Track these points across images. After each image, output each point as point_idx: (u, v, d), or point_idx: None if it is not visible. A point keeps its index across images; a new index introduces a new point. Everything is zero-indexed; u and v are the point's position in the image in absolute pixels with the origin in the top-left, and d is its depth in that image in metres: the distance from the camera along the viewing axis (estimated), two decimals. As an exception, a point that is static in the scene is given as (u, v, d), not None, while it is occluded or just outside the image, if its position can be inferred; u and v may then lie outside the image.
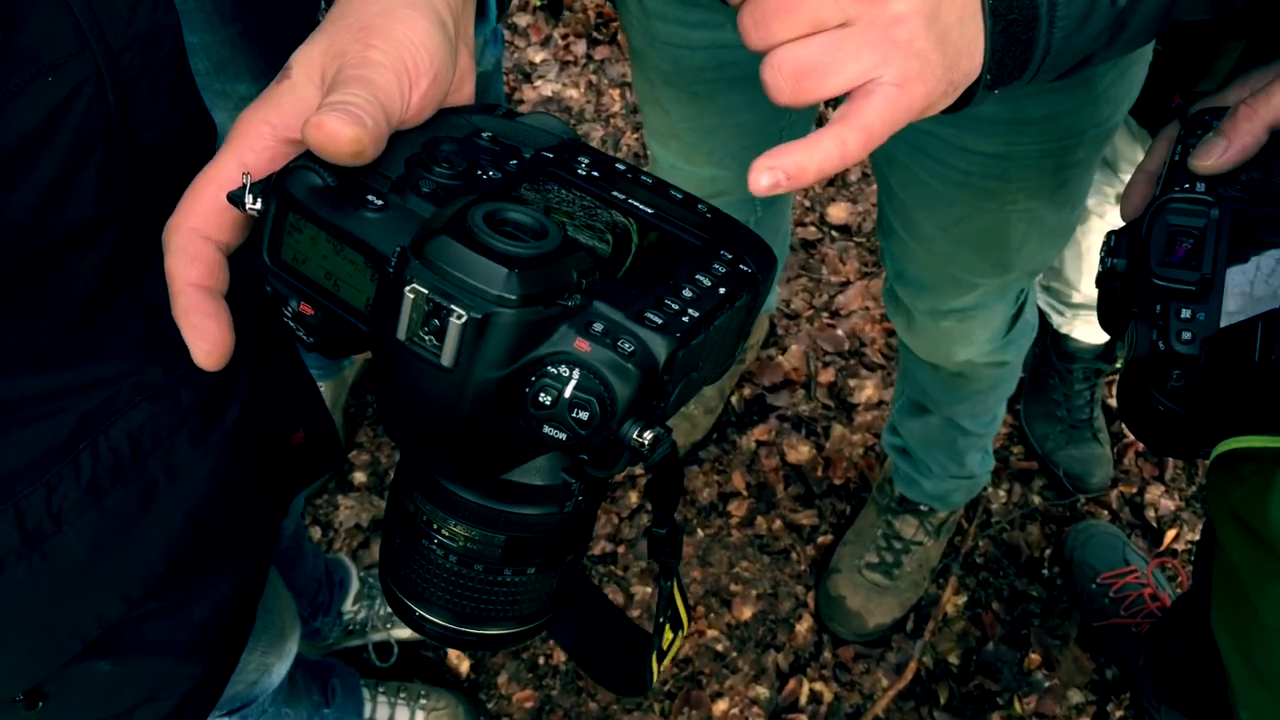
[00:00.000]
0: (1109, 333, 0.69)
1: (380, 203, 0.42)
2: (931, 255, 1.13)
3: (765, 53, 0.48)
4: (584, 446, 0.41)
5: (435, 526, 0.46)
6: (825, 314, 2.03)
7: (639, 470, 1.68)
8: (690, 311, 0.42)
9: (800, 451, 1.88)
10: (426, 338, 0.39)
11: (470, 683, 1.70)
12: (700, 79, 1.08)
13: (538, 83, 2.37)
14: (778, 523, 1.82)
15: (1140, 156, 1.45)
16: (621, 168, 0.50)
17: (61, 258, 0.50)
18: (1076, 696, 1.65)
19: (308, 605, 1.50)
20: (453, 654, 1.71)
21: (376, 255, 0.42)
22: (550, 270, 0.39)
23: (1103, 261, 0.65)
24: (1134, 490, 1.83)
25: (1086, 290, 1.68)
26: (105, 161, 0.49)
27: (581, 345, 0.40)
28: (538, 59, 2.42)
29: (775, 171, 0.46)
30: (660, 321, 0.41)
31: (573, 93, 2.35)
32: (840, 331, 2.01)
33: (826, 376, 1.96)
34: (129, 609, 0.61)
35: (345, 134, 0.41)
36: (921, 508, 1.69)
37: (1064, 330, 1.76)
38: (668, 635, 0.54)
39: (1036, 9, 0.51)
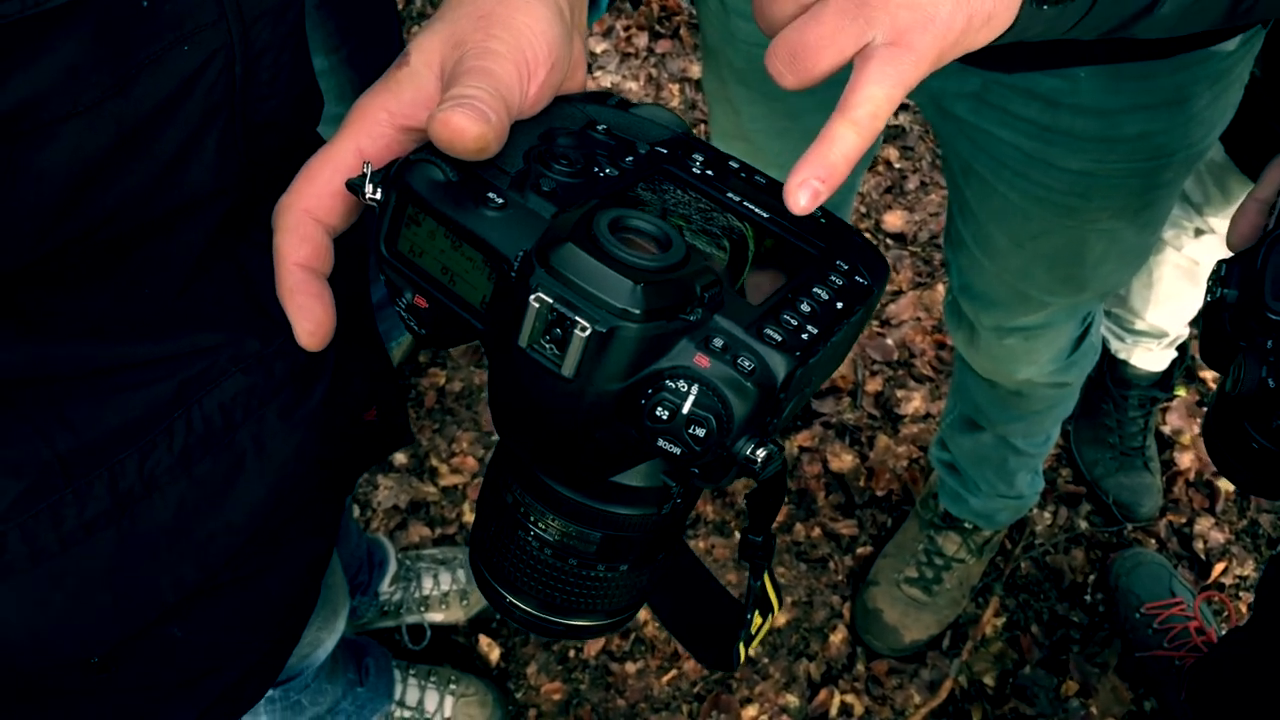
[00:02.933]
0: (1210, 364, 0.67)
1: (501, 201, 0.42)
2: (1003, 271, 1.11)
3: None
4: (697, 461, 0.40)
5: (533, 519, 0.46)
6: (875, 322, 2.02)
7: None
8: (809, 328, 0.41)
9: (843, 460, 1.87)
10: (548, 346, 0.39)
11: (500, 671, 1.70)
12: None
13: (598, 73, 2.36)
14: (817, 531, 1.81)
15: (1215, 190, 1.43)
16: (735, 165, 0.49)
17: (172, 225, 0.50)
18: (1113, 726, 1.63)
19: (347, 583, 1.50)
20: (484, 642, 1.71)
21: (496, 255, 0.41)
22: (674, 284, 0.39)
23: (1210, 291, 0.64)
24: (1183, 521, 1.80)
25: (1151, 319, 1.65)
26: (225, 132, 0.49)
27: (701, 361, 0.39)
28: (599, 49, 2.41)
29: (808, 184, 0.44)
30: (779, 339, 0.40)
31: (632, 85, 2.35)
32: (890, 341, 1.99)
33: (874, 386, 1.95)
34: (207, 577, 0.61)
35: (471, 130, 0.41)
36: (965, 525, 1.67)
37: (1122, 356, 1.74)
38: (757, 620, 0.54)
39: None
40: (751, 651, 0.57)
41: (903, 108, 2.26)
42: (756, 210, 0.46)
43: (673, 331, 0.39)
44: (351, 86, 1.35)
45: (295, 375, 0.60)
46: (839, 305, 0.43)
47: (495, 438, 1.89)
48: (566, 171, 0.43)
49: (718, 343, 0.39)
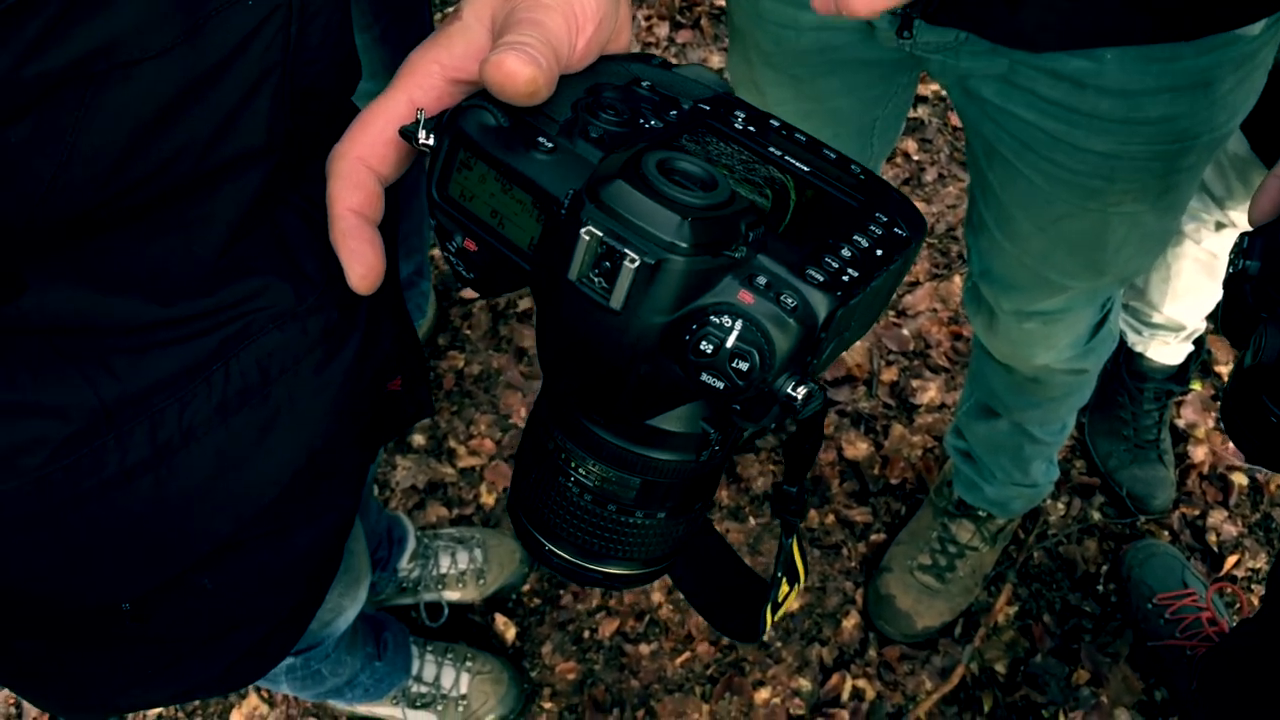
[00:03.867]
0: (1229, 338, 0.67)
1: (550, 145, 0.43)
2: (1024, 254, 1.11)
3: None
4: (738, 396, 0.41)
5: (573, 465, 0.47)
6: (892, 312, 2.02)
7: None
8: (850, 271, 0.42)
9: (858, 448, 1.88)
10: (596, 279, 0.40)
11: (515, 650, 1.71)
12: (803, 62, 1.08)
13: (618, 63, 2.37)
14: (830, 518, 1.82)
15: (1238, 183, 1.43)
16: (776, 124, 0.50)
17: (221, 181, 0.51)
18: (1124, 716, 1.63)
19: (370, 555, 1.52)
20: (500, 621, 1.73)
21: (546, 196, 0.42)
22: (720, 221, 0.40)
23: (1233, 263, 0.64)
24: (1196, 513, 1.80)
25: (1168, 312, 1.65)
26: (277, 91, 0.50)
27: (745, 297, 0.40)
28: (619, 39, 2.42)
29: None
30: (822, 279, 0.41)
31: (652, 75, 2.35)
32: (906, 331, 1.99)
33: (889, 375, 1.95)
34: (239, 530, 0.62)
35: (523, 73, 0.42)
36: (980, 513, 1.68)
37: (1139, 349, 1.74)
38: (784, 587, 0.55)
39: None
40: (776, 618, 0.58)
41: (921, 101, 2.26)
42: (797, 164, 0.47)
43: (718, 267, 0.40)
44: (383, 64, 1.37)
45: (328, 333, 0.61)
46: (879, 253, 0.44)
47: (521, 412, 1.89)
48: (614, 121, 0.44)
49: (761, 280, 0.40)
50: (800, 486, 0.50)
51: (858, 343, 1.97)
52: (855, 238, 0.44)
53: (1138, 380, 1.77)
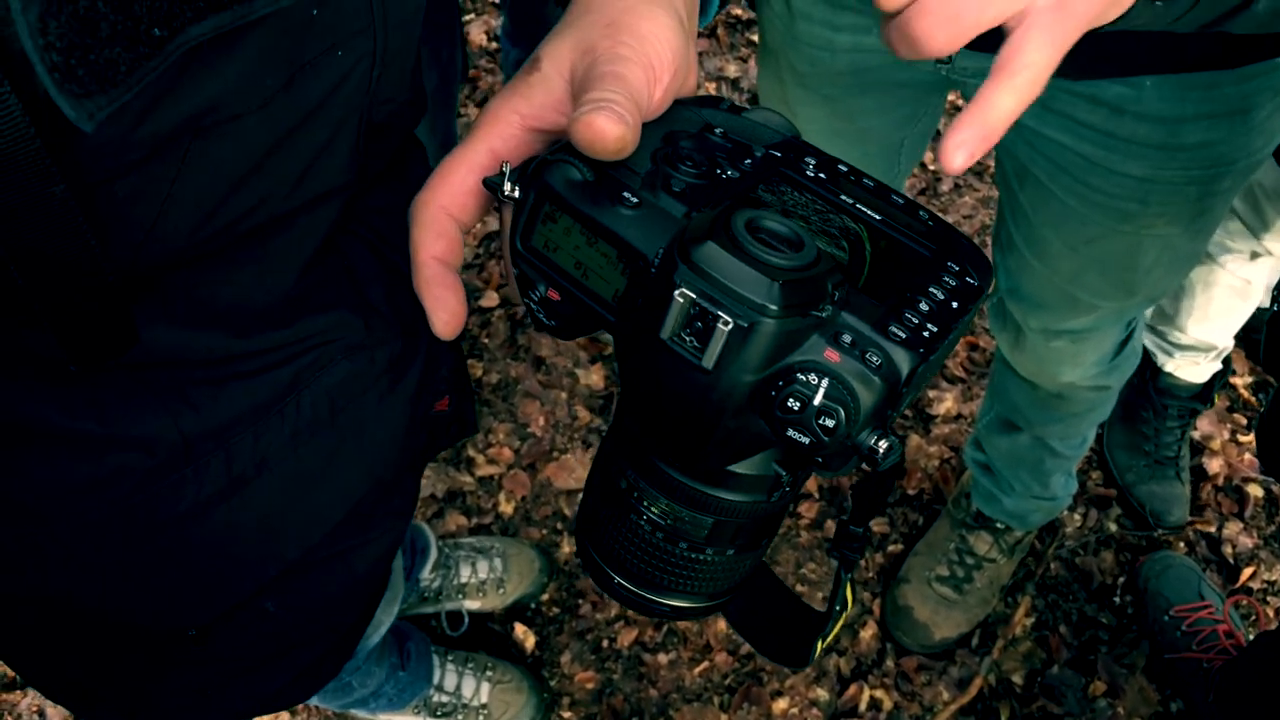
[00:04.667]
0: (1270, 372, 0.68)
1: (636, 200, 0.44)
2: (1054, 274, 1.12)
3: (900, 10, 0.47)
4: (823, 451, 0.42)
5: (646, 503, 0.48)
6: (908, 323, 2.03)
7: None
8: (930, 326, 0.43)
9: (875, 458, 1.88)
10: (688, 339, 0.40)
11: (534, 659, 1.72)
12: (836, 83, 1.08)
13: (633, 71, 2.38)
14: (848, 527, 1.82)
15: (1274, 215, 1.44)
16: (844, 169, 0.50)
17: (298, 218, 0.52)
18: (1140, 727, 1.64)
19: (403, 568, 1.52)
20: (519, 630, 1.73)
21: (632, 251, 0.43)
22: (809, 282, 0.41)
23: (1277, 300, 0.65)
24: (1212, 526, 1.81)
25: (1198, 334, 1.66)
26: (356, 131, 0.51)
27: (831, 355, 0.41)
28: (634, 47, 2.43)
29: (965, 144, 0.45)
30: (904, 335, 0.42)
31: (667, 84, 2.36)
32: (922, 342, 2.00)
33: (906, 386, 1.96)
34: (304, 555, 0.63)
35: (613, 132, 0.43)
36: (998, 525, 1.69)
37: (1168, 368, 1.75)
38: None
39: None
40: (825, 644, 0.59)
41: (937, 109, 2.27)
42: (869, 212, 0.48)
43: (806, 327, 0.41)
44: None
45: (393, 363, 0.62)
46: (954, 305, 0.44)
47: (540, 421, 1.89)
48: (693, 173, 0.45)
49: (846, 338, 0.41)
50: (865, 528, 0.51)
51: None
52: (931, 289, 0.45)
53: (1163, 396, 1.77)
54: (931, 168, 2.21)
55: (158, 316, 0.48)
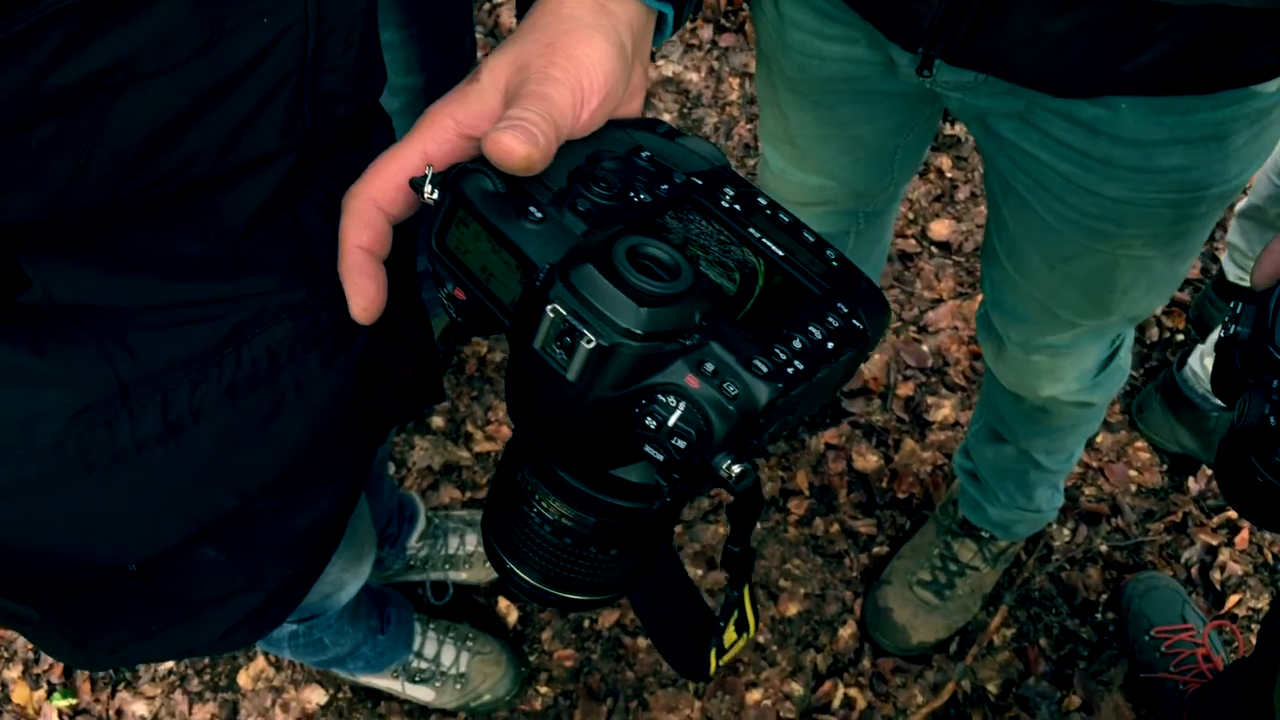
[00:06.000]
0: (1221, 399, 0.69)
1: (540, 215, 0.46)
2: (1033, 288, 1.13)
3: None
4: (677, 469, 0.44)
5: (537, 498, 0.51)
6: (913, 328, 2.04)
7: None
8: (796, 364, 0.45)
9: (868, 460, 1.90)
10: (558, 351, 0.43)
11: (516, 633, 1.75)
12: (826, 90, 1.09)
13: (660, 63, 2.40)
14: (835, 527, 1.84)
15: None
16: (763, 202, 0.52)
17: (238, 180, 0.55)
18: (1111, 745, 1.65)
19: (377, 535, 1.56)
20: (502, 604, 1.77)
21: (528, 263, 0.46)
22: (677, 310, 0.43)
23: (1224, 327, 0.66)
24: (1202, 550, 1.81)
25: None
26: (293, 97, 0.53)
27: (691, 381, 0.43)
28: (664, 38, 2.44)
29: None
30: (765, 370, 0.44)
31: (693, 76, 2.38)
32: (925, 347, 2.01)
33: (905, 390, 1.97)
34: (243, 504, 0.66)
35: (518, 151, 0.45)
36: (983, 534, 1.69)
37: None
38: (730, 634, 0.57)
39: None
40: (722, 662, 0.60)
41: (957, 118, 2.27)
42: (773, 247, 0.49)
43: (670, 352, 0.43)
44: (419, 60, 1.40)
45: (338, 326, 0.65)
46: (829, 345, 0.46)
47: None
48: (604, 194, 0.47)
49: (709, 367, 0.43)
50: (745, 546, 0.53)
51: (875, 355, 1.99)
52: (810, 328, 0.46)
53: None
54: (949, 175, 2.21)
55: (91, 262, 0.51)
